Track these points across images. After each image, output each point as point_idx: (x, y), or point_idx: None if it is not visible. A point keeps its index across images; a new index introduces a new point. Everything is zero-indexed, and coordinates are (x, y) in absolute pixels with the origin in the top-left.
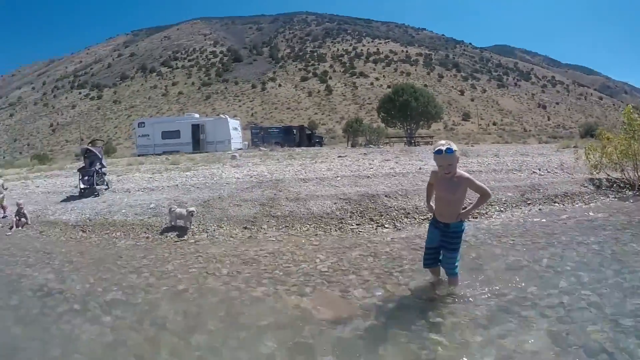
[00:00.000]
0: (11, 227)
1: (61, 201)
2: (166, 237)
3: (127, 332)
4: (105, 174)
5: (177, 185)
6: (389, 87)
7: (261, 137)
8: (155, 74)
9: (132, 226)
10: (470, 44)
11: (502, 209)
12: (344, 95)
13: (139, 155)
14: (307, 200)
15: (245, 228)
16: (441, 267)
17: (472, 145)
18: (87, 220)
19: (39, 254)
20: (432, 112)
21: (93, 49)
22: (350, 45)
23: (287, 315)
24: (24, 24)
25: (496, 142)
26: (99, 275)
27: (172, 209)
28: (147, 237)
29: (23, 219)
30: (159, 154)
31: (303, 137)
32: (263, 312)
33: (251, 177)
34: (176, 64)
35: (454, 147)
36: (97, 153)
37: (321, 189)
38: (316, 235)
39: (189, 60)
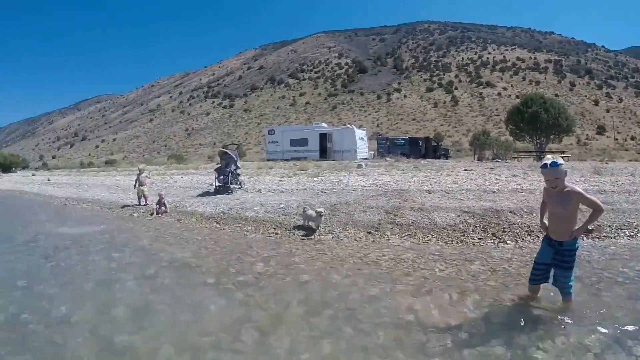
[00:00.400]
0: (152, 214)
1: (197, 196)
2: (294, 234)
3: (254, 310)
4: (239, 175)
5: (305, 189)
6: (517, 97)
7: (387, 147)
8: (283, 85)
9: (263, 222)
10: (602, 46)
11: (632, 233)
12: (471, 106)
13: (268, 160)
14: (431, 212)
15: (370, 233)
16: (555, 286)
17: (606, 163)
18: (221, 214)
19: (177, 237)
20: (563, 125)
21: (225, 62)
22: (475, 54)
23: (399, 315)
24: (163, 40)
25: (634, 160)
26: (231, 260)
27: (306, 210)
28: (277, 233)
29: (163, 208)
30: (287, 160)
31: (429, 149)
32: (378, 309)
33: (377, 185)
34: (303, 75)
35: (560, 161)
36: (233, 156)
37: (445, 201)
38: (438, 245)
39: (315, 72)
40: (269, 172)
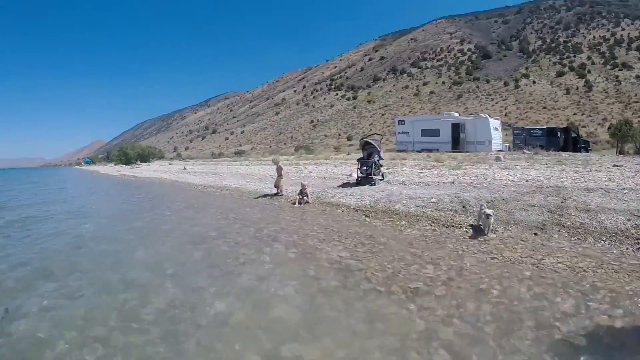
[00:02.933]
0: (294, 203)
1: (338, 186)
2: (453, 232)
3: (437, 325)
4: (381, 166)
5: (452, 182)
6: None
7: (523, 138)
8: (405, 74)
9: (416, 217)
10: None
11: None
12: (606, 92)
13: (398, 151)
14: (598, 213)
15: (536, 234)
16: None
17: None
18: (369, 206)
19: (328, 231)
20: None
21: (345, 55)
22: (607, 31)
23: (603, 338)
24: (283, 37)
25: None
26: (395, 262)
27: (483, 208)
28: (434, 230)
29: (305, 198)
30: (419, 151)
31: (568, 140)
32: (574, 328)
33: (526, 180)
34: (425, 64)
35: None
36: (376, 146)
37: (608, 201)
38: (612, 253)
39: (438, 60)
40: (405, 164)
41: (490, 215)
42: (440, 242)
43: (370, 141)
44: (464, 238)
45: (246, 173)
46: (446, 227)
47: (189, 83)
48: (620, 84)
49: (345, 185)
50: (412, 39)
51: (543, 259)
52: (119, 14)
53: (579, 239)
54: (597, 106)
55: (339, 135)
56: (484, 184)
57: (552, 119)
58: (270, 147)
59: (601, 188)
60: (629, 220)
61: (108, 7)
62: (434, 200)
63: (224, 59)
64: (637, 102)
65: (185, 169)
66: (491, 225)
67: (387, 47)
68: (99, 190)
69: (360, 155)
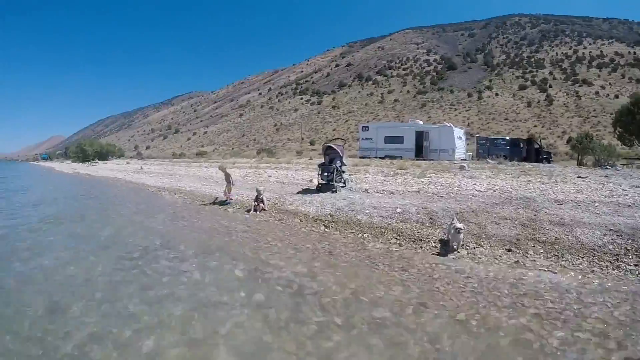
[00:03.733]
0: (249, 210)
1: (297, 193)
2: (420, 247)
3: None
4: (344, 172)
5: (418, 191)
6: (616, 96)
7: (487, 148)
8: (371, 82)
9: (380, 229)
10: None
11: None
12: (566, 106)
13: (361, 157)
14: (573, 227)
15: (509, 250)
16: None
17: None
18: (329, 216)
19: (284, 244)
20: None
21: (312, 60)
22: (570, 48)
23: None
24: (251, 39)
25: None
26: (357, 282)
27: (453, 223)
28: (400, 244)
29: (261, 205)
30: (382, 158)
31: (531, 151)
32: None
33: (494, 191)
34: (391, 72)
35: None
36: (339, 151)
37: (581, 214)
38: (592, 272)
39: (404, 69)
40: (368, 170)
41: (460, 229)
42: (408, 259)
43: (333, 146)
44: (433, 254)
45: (203, 175)
46: (413, 242)
47: (153, 81)
48: (580, 99)
49: (305, 191)
50: (379, 47)
51: (522, 280)
52: (84, 9)
53: (555, 255)
54: (557, 119)
55: (302, 139)
56: (451, 194)
57: (513, 130)
58: (233, 149)
59: (571, 200)
60: (604, 235)
61: (74, 2)
62: (399, 210)
63: (189, 58)
64: (595, 116)
65: (142, 168)
66: (462, 241)
67: (354, 54)
68: (45, 189)
69: (322, 160)
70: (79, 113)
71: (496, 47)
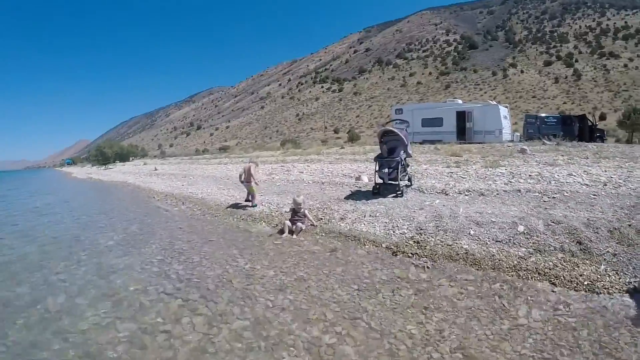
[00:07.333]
0: (282, 232)
1: (345, 198)
2: (599, 303)
3: None
4: (408, 165)
5: (518, 190)
6: None
7: (537, 127)
8: (391, 66)
9: (514, 269)
10: None
11: None
12: (595, 81)
13: None
14: None
15: None
16: None
17: None
18: (413, 242)
19: (349, 313)
20: None
21: (330, 48)
22: (593, 21)
23: None
24: (267, 31)
25: None
26: None
27: None
28: (567, 305)
29: (299, 224)
30: (420, 143)
31: (584, 129)
32: None
33: (604, 185)
34: (411, 55)
35: None
36: (402, 137)
37: None
38: None
39: (424, 51)
40: (417, 159)
41: None
42: (598, 339)
43: (394, 129)
44: (624, 321)
45: (222, 176)
46: (575, 291)
47: (174, 79)
48: (609, 72)
49: (356, 195)
50: (397, 30)
51: None
52: (102, 13)
53: None
54: (587, 95)
55: (326, 128)
56: (565, 193)
57: (542, 107)
58: (256, 141)
59: None
60: None
61: (92, 6)
62: (521, 229)
63: (208, 54)
64: (626, 90)
65: (156, 169)
66: None
67: (372, 38)
68: (38, 199)
69: (377, 150)
70: (103, 116)
71: (517, 23)
